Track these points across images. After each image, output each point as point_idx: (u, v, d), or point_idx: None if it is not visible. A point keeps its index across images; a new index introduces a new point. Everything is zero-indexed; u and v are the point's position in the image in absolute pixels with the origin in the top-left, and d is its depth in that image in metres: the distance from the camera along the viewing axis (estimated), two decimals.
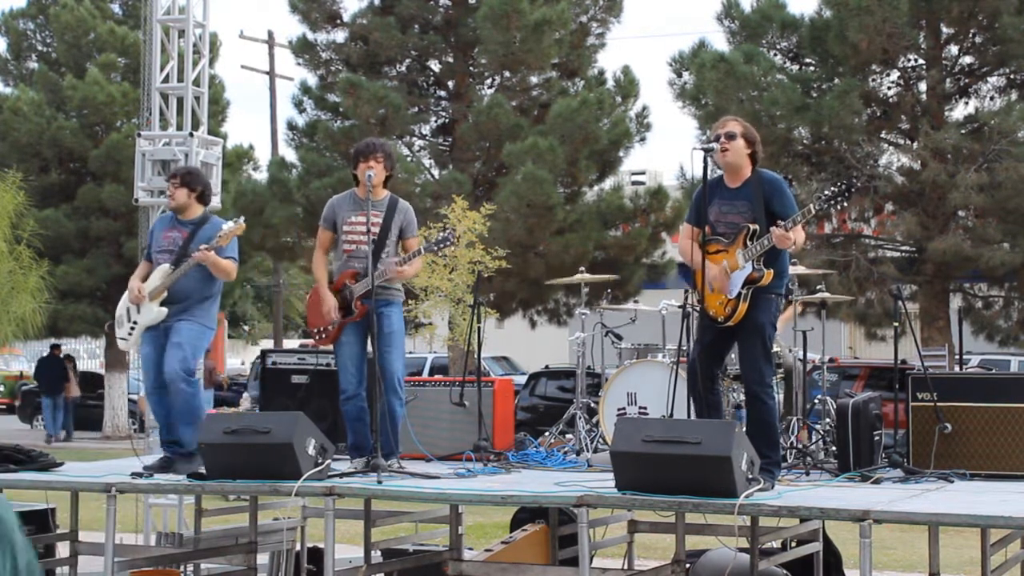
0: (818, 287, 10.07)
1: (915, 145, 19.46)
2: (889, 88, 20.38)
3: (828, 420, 8.54)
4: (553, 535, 8.30)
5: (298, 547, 8.73)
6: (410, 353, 27.02)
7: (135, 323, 8.02)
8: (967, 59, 20.30)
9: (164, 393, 7.84)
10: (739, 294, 6.69)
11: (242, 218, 8.18)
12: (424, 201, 21.29)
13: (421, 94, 23.89)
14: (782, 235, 6.51)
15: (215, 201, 10.03)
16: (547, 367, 23.59)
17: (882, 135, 20.25)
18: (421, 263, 7.98)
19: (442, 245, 7.84)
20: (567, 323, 24.49)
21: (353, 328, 7.70)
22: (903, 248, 20.56)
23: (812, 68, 20.52)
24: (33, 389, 30.96)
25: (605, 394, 8.70)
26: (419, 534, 9.01)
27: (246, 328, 55.42)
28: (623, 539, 8.54)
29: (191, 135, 10.09)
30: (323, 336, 7.80)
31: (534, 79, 23.78)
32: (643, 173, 30.93)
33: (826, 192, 6.71)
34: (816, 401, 9.15)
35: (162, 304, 7.90)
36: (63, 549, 8.27)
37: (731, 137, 6.78)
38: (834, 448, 7.88)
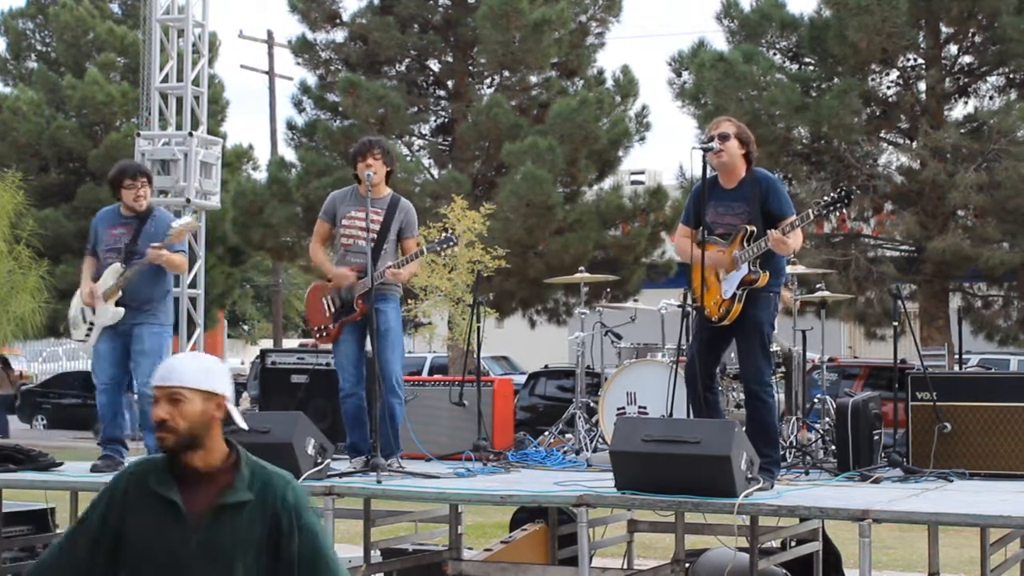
0: (818, 286, 10.06)
1: (914, 145, 19.47)
2: (888, 88, 20.39)
3: (828, 419, 8.54)
4: (553, 535, 8.29)
5: None
6: (410, 353, 27.01)
7: (91, 324, 7.92)
8: (967, 59, 20.32)
9: (117, 392, 7.80)
10: (734, 295, 6.68)
11: (193, 214, 8.04)
12: (424, 201, 21.28)
13: (421, 94, 23.90)
14: (779, 240, 6.48)
15: (214, 200, 10.04)
16: (547, 367, 23.56)
17: (881, 135, 20.25)
18: (419, 265, 7.96)
19: (443, 246, 7.83)
20: (567, 323, 24.49)
21: (353, 327, 7.69)
22: (903, 248, 20.56)
23: (811, 68, 20.52)
24: (32, 389, 31.01)
25: (604, 394, 8.69)
26: (419, 534, 8.99)
27: (246, 328, 55.42)
28: (623, 539, 8.53)
29: (190, 135, 10.10)
30: (324, 335, 7.79)
31: (533, 79, 23.79)
32: (642, 173, 30.94)
33: (825, 198, 6.69)
34: (816, 400, 9.15)
35: (118, 305, 7.76)
36: None
37: (724, 138, 6.75)
38: (833, 447, 7.88)
